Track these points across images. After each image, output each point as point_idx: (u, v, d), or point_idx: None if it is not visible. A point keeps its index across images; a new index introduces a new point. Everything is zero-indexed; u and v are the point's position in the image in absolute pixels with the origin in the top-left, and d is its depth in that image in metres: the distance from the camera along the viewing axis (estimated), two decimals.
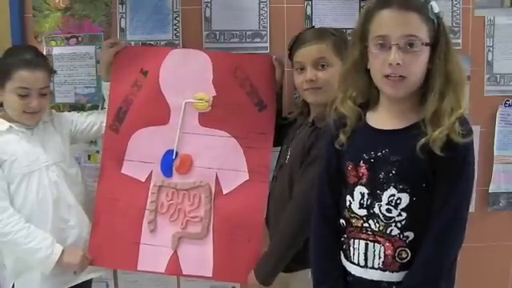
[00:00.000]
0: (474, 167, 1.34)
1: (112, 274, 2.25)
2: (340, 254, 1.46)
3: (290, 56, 1.84)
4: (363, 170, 1.37)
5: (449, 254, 1.32)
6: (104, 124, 1.97)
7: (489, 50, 2.16)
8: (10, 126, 1.80)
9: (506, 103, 2.17)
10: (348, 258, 1.43)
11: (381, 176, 1.34)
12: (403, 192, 1.32)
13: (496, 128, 2.17)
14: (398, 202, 1.32)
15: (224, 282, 1.96)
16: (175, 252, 1.85)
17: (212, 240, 1.84)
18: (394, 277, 1.35)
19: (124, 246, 1.87)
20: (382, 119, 1.40)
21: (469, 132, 1.29)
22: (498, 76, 2.17)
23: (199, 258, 1.84)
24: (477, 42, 2.16)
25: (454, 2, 2.13)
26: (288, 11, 2.14)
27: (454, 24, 2.13)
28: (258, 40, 2.15)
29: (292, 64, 1.83)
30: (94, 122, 2.00)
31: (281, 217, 1.75)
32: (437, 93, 1.30)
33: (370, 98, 1.44)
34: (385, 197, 1.34)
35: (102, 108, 2.08)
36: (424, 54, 1.30)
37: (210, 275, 1.83)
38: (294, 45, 1.81)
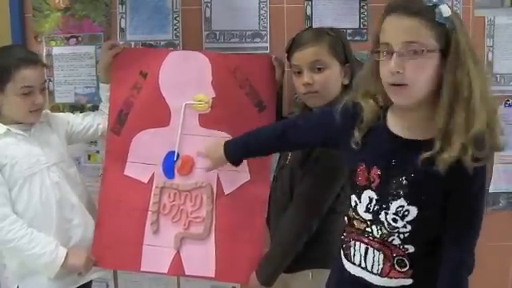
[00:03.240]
0: (485, 191, 1.29)
1: (112, 274, 2.25)
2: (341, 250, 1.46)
3: (288, 58, 1.83)
4: (375, 174, 1.33)
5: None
6: (101, 126, 1.98)
7: (489, 50, 2.17)
8: (8, 129, 1.78)
9: (506, 103, 2.17)
10: (348, 258, 1.43)
11: (393, 185, 1.30)
12: (412, 205, 1.28)
13: None
14: (406, 213, 1.28)
15: (226, 282, 1.96)
16: (178, 252, 1.85)
17: (214, 240, 1.85)
18: (394, 282, 1.34)
19: (127, 247, 1.87)
20: (399, 125, 1.33)
21: (485, 156, 1.21)
22: (498, 76, 2.18)
23: (201, 259, 1.84)
24: (477, 42, 2.15)
25: (454, 2, 2.13)
26: (288, 11, 2.14)
27: None
28: (258, 40, 2.15)
29: (290, 66, 1.83)
30: (91, 123, 1.99)
31: (282, 218, 1.76)
32: (445, 105, 1.21)
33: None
34: (393, 206, 1.30)
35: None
36: (430, 60, 1.22)
37: (213, 275, 1.84)
38: (291, 47, 1.80)
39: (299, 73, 1.76)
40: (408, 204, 1.28)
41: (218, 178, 1.88)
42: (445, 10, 1.22)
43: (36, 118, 1.83)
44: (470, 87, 1.20)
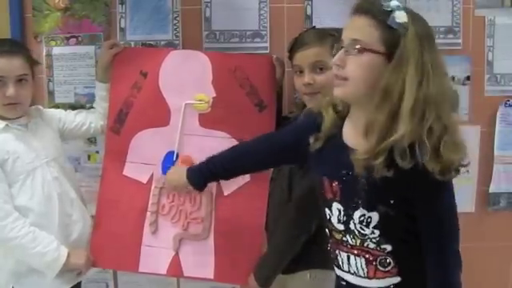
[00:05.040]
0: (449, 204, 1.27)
1: (112, 275, 2.25)
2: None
3: (290, 58, 1.83)
4: (336, 187, 1.35)
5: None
6: (93, 124, 1.98)
7: (489, 50, 2.16)
8: (7, 125, 1.77)
9: (506, 103, 2.17)
10: (338, 267, 1.43)
11: (351, 195, 1.31)
12: (373, 211, 1.28)
13: (496, 128, 2.17)
14: (369, 220, 1.29)
15: (225, 283, 1.96)
16: (176, 254, 1.85)
17: (213, 241, 1.85)
18: (383, 282, 1.34)
19: (126, 248, 1.87)
20: (351, 133, 1.34)
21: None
22: (499, 76, 2.17)
23: (200, 260, 1.84)
24: (477, 41, 2.15)
25: (455, 2, 2.13)
26: (288, 11, 2.13)
27: (455, 24, 2.13)
28: (258, 40, 2.14)
29: (292, 66, 1.83)
30: (83, 122, 1.99)
31: (280, 219, 1.75)
32: (371, 106, 1.23)
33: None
34: (356, 216, 1.31)
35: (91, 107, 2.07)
36: (371, 60, 1.22)
37: (211, 277, 1.84)
38: (293, 47, 1.80)
39: (300, 73, 1.76)
40: (368, 211, 1.29)
41: None
42: (400, 16, 1.21)
43: (12, 113, 1.78)
44: (401, 95, 1.18)
